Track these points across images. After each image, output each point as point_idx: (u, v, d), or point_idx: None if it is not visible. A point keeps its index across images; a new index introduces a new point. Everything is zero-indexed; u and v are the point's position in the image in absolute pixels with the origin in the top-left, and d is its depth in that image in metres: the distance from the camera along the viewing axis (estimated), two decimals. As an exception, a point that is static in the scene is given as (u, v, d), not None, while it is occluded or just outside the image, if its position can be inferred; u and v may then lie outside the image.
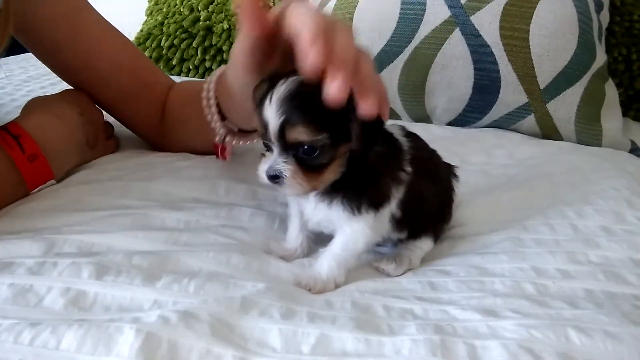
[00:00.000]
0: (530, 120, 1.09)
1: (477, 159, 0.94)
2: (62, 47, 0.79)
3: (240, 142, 0.76)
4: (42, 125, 0.71)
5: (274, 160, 0.52)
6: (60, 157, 0.72)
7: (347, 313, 0.49)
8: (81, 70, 0.80)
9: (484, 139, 1.04)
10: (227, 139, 0.75)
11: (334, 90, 0.46)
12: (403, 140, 0.59)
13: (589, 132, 1.07)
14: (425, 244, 0.63)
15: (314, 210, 0.57)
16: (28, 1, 0.75)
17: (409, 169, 0.57)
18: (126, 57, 0.83)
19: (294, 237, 0.61)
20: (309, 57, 0.47)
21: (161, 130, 0.84)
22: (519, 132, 1.11)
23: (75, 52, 0.79)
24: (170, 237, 0.60)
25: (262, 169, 0.53)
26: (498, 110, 1.11)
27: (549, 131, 1.09)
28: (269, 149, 0.54)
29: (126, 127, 0.88)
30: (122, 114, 0.86)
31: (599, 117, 1.08)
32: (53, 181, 0.71)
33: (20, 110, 0.76)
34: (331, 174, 0.53)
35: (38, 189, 0.69)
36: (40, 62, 0.84)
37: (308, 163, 0.52)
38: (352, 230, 0.56)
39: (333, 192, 0.55)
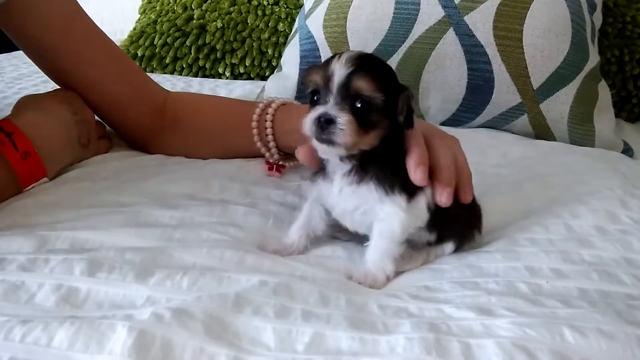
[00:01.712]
0: (523, 120, 1.10)
1: (471, 158, 0.93)
2: (53, 51, 0.79)
3: (290, 164, 0.82)
4: (35, 123, 0.71)
5: (330, 107, 0.55)
6: (53, 155, 0.71)
7: (341, 311, 0.49)
8: (72, 74, 0.81)
9: (477, 139, 1.05)
10: (279, 161, 0.82)
11: (444, 200, 0.59)
12: None
13: (581, 133, 1.08)
14: (445, 248, 0.63)
15: (339, 194, 0.58)
16: (20, 4, 0.75)
17: None
18: (116, 63, 0.84)
19: (294, 232, 0.62)
20: (417, 174, 0.57)
21: (160, 136, 0.85)
22: (512, 133, 1.11)
23: (66, 57, 0.79)
24: (164, 234, 0.60)
25: (313, 115, 0.55)
26: (491, 110, 1.11)
27: (542, 131, 1.10)
28: (317, 103, 0.56)
29: (117, 131, 0.88)
30: (113, 118, 0.86)
31: (592, 117, 1.08)
32: (46, 179, 0.70)
33: (9, 108, 0.75)
34: (373, 138, 0.56)
35: (31, 186, 0.69)
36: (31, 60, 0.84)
37: (360, 117, 0.55)
38: (385, 215, 0.57)
39: (363, 172, 0.57)
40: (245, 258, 0.56)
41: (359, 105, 0.55)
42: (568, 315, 0.48)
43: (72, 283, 0.49)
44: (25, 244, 0.55)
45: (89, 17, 0.83)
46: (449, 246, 0.63)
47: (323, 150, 0.57)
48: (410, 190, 0.57)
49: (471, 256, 0.62)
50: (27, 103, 0.76)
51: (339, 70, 0.55)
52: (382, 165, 0.57)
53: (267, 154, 0.81)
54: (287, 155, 0.81)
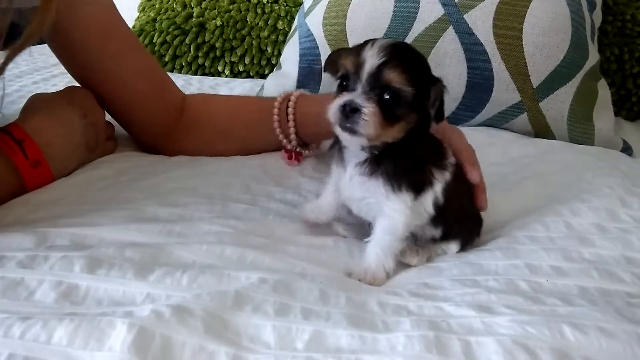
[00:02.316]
0: (523, 119, 1.10)
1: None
2: (93, 50, 0.79)
3: (308, 153, 0.87)
4: (45, 129, 0.70)
5: (357, 96, 0.54)
6: (60, 162, 0.71)
7: (341, 309, 0.49)
8: (104, 74, 0.81)
9: (477, 137, 1.03)
10: (298, 148, 0.85)
11: (483, 204, 0.67)
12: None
13: (581, 131, 1.08)
14: (450, 247, 0.63)
15: (349, 181, 0.59)
16: (61, 4, 0.75)
17: (452, 159, 0.60)
18: (147, 68, 0.85)
19: (327, 198, 0.63)
20: (473, 174, 0.65)
21: (179, 138, 0.85)
22: (511, 131, 1.11)
23: (102, 57, 0.80)
24: (164, 229, 0.60)
25: (339, 102, 0.55)
26: (491, 109, 1.11)
27: (541, 130, 1.10)
28: (344, 90, 0.56)
29: (134, 131, 0.88)
30: (134, 118, 0.86)
31: (591, 116, 1.08)
32: None
33: (11, 106, 0.75)
34: (398, 131, 0.56)
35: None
36: (31, 57, 0.84)
37: (386, 109, 0.54)
38: (390, 211, 0.57)
39: (375, 165, 0.57)
40: (246, 255, 0.56)
41: (387, 97, 0.54)
42: (568, 313, 0.48)
43: (72, 280, 0.48)
44: (24, 241, 0.55)
45: (124, 20, 0.83)
46: (454, 246, 0.63)
47: (345, 138, 0.57)
48: (418, 188, 0.57)
49: (471, 254, 0.62)
50: (36, 106, 0.75)
51: (371, 59, 0.54)
52: (395, 160, 0.57)
53: (286, 141, 0.83)
54: (306, 145, 0.85)
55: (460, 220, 0.62)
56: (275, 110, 0.82)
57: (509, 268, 0.58)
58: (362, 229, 0.62)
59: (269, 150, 0.86)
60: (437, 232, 0.61)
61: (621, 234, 0.65)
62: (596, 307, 0.50)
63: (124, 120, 0.86)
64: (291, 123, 0.82)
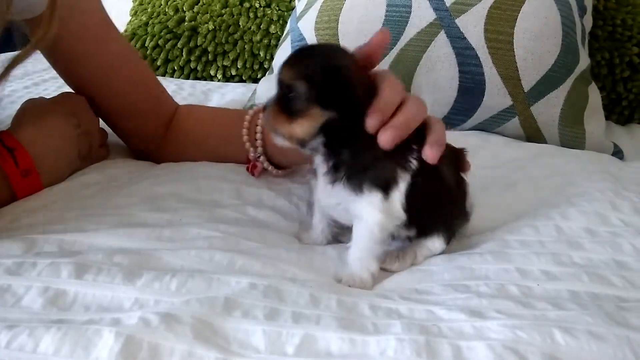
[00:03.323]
0: (514, 123, 1.10)
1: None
2: (85, 59, 0.79)
3: (274, 172, 0.80)
4: (37, 140, 0.70)
5: (271, 96, 0.57)
6: (50, 173, 0.71)
7: (332, 312, 0.49)
8: (97, 83, 0.80)
9: (468, 141, 1.04)
10: (261, 158, 0.80)
11: (382, 141, 0.56)
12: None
13: (572, 135, 1.08)
14: (433, 244, 0.62)
15: (322, 191, 0.59)
16: (62, 7, 0.74)
17: (414, 156, 0.58)
18: (141, 77, 0.85)
19: (316, 225, 0.64)
20: (427, 151, 0.58)
21: (164, 146, 0.85)
22: (503, 135, 1.12)
23: (94, 68, 0.80)
24: (153, 233, 0.60)
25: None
26: (482, 113, 1.11)
27: (532, 134, 1.10)
28: None
29: (127, 141, 0.88)
30: (128, 128, 0.86)
31: (582, 120, 1.09)
32: None
33: (1, 111, 0.75)
34: (300, 129, 0.56)
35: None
36: (23, 62, 0.83)
37: (284, 105, 0.56)
38: (362, 214, 0.57)
39: (336, 172, 0.57)
40: (235, 260, 0.56)
41: (287, 95, 0.56)
42: (559, 317, 0.48)
43: (60, 286, 0.48)
44: (12, 247, 0.55)
45: (118, 29, 0.84)
46: (438, 243, 0.62)
47: (274, 139, 0.58)
48: (382, 186, 0.56)
49: (462, 258, 0.61)
50: (29, 115, 0.75)
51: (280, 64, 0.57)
52: (352, 163, 0.56)
53: (252, 150, 0.79)
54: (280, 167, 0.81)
55: (437, 213, 0.61)
56: (245, 124, 0.79)
57: (500, 272, 0.58)
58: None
59: (243, 161, 0.82)
60: (411, 232, 0.61)
61: (612, 237, 0.65)
62: (587, 311, 0.50)
63: (118, 129, 0.86)
64: (259, 142, 0.79)
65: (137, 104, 0.83)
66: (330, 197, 0.58)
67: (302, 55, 0.57)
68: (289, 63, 0.56)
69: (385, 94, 0.57)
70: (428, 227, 0.61)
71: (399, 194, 0.57)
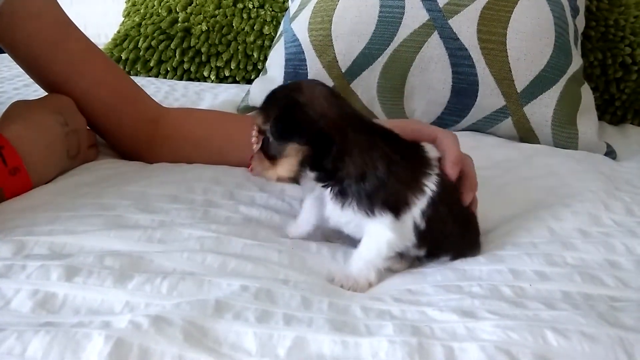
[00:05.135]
0: (507, 124, 1.10)
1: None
2: (43, 61, 0.79)
3: None
4: (24, 137, 0.69)
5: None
6: (39, 171, 0.70)
7: (324, 314, 0.48)
8: (62, 84, 0.80)
9: (461, 141, 1.03)
10: None
11: (467, 201, 0.63)
12: (435, 159, 0.60)
13: (565, 135, 1.08)
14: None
15: (332, 211, 0.59)
16: (9, 15, 0.74)
17: (430, 181, 0.58)
18: (108, 74, 0.84)
19: (304, 223, 0.64)
20: (452, 172, 0.61)
21: (158, 148, 0.85)
22: (496, 136, 1.12)
23: (56, 67, 0.80)
24: (144, 235, 0.59)
25: None
26: (476, 114, 1.11)
27: (526, 134, 1.10)
28: None
29: (109, 141, 0.88)
30: (106, 128, 0.85)
31: (575, 120, 1.09)
32: None
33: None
34: (283, 169, 0.57)
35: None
36: (13, 63, 0.83)
37: (265, 150, 0.58)
38: (373, 231, 0.57)
39: (343, 197, 0.57)
40: (227, 262, 0.56)
41: (264, 140, 0.58)
42: (551, 318, 0.48)
43: (49, 288, 0.48)
44: (2, 250, 0.54)
45: (81, 30, 0.83)
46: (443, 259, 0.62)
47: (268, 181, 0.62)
48: (395, 207, 0.56)
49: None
50: (16, 114, 0.74)
51: None
52: (359, 187, 0.56)
53: None
54: None
55: (451, 238, 0.61)
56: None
57: (492, 273, 0.58)
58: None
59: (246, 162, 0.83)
60: (421, 252, 0.60)
61: (604, 238, 0.66)
62: (579, 311, 0.50)
63: (98, 130, 0.86)
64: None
65: (107, 100, 0.83)
66: (341, 217, 0.59)
67: (268, 99, 0.59)
68: (259, 109, 0.58)
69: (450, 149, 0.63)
70: (439, 251, 0.61)
71: (411, 217, 0.57)
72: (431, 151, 0.61)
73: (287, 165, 0.57)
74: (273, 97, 0.59)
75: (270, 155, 0.57)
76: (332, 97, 0.58)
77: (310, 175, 0.57)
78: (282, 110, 0.56)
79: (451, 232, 0.60)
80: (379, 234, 0.57)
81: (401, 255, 0.60)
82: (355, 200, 0.56)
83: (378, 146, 0.57)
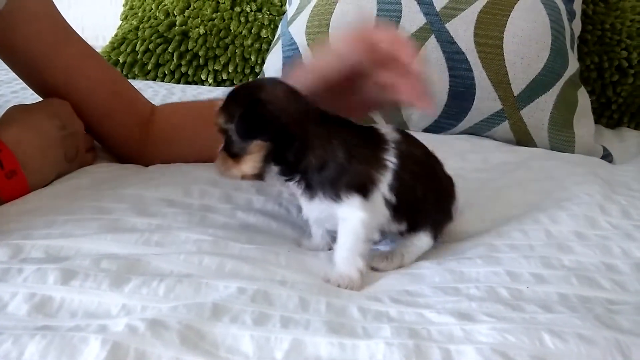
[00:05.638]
0: (504, 127, 1.10)
1: (452, 163, 0.93)
2: (41, 64, 0.79)
3: None
4: (22, 140, 0.69)
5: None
6: (37, 174, 0.70)
7: (321, 316, 0.48)
8: (59, 87, 0.80)
9: (459, 145, 1.05)
10: None
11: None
12: (393, 136, 0.61)
13: (561, 139, 1.09)
14: (421, 241, 0.62)
15: (306, 208, 0.60)
16: (8, 18, 0.74)
17: (390, 155, 0.59)
18: (105, 77, 0.84)
19: (315, 234, 0.65)
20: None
21: (151, 148, 0.85)
22: (493, 139, 1.12)
23: (54, 71, 0.79)
24: (141, 238, 0.59)
25: None
26: (473, 117, 1.12)
27: (522, 137, 1.10)
28: None
29: (105, 144, 0.87)
30: (102, 129, 0.85)
31: (572, 123, 1.09)
32: None
33: None
34: (247, 166, 0.58)
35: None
36: None
37: (228, 149, 0.59)
38: (345, 215, 0.58)
39: (310, 190, 0.58)
40: (224, 264, 0.56)
41: (226, 140, 0.59)
42: (548, 321, 0.48)
43: (46, 292, 0.47)
44: (-2, 253, 0.54)
45: (77, 34, 0.83)
46: (424, 239, 0.62)
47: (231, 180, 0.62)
48: (361, 187, 0.57)
49: (452, 261, 0.61)
50: (13, 118, 0.74)
51: None
52: (321, 175, 0.58)
53: None
54: None
55: (426, 207, 0.62)
56: None
57: (489, 275, 0.58)
58: None
59: None
60: (402, 226, 0.61)
61: (601, 240, 0.66)
62: (576, 314, 0.50)
63: (93, 133, 0.86)
64: None
65: (104, 103, 0.83)
66: (314, 211, 0.60)
67: (227, 99, 0.59)
68: (220, 109, 0.59)
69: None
70: (418, 222, 0.62)
71: (380, 194, 0.58)
72: (384, 127, 0.62)
73: (251, 162, 0.58)
74: (235, 97, 0.59)
75: (233, 154, 0.58)
76: (292, 94, 0.60)
77: (274, 169, 0.59)
78: (246, 108, 0.57)
79: (423, 198, 0.61)
80: (351, 217, 0.57)
81: (382, 233, 0.61)
82: (320, 190, 0.58)
83: (336, 134, 0.58)
